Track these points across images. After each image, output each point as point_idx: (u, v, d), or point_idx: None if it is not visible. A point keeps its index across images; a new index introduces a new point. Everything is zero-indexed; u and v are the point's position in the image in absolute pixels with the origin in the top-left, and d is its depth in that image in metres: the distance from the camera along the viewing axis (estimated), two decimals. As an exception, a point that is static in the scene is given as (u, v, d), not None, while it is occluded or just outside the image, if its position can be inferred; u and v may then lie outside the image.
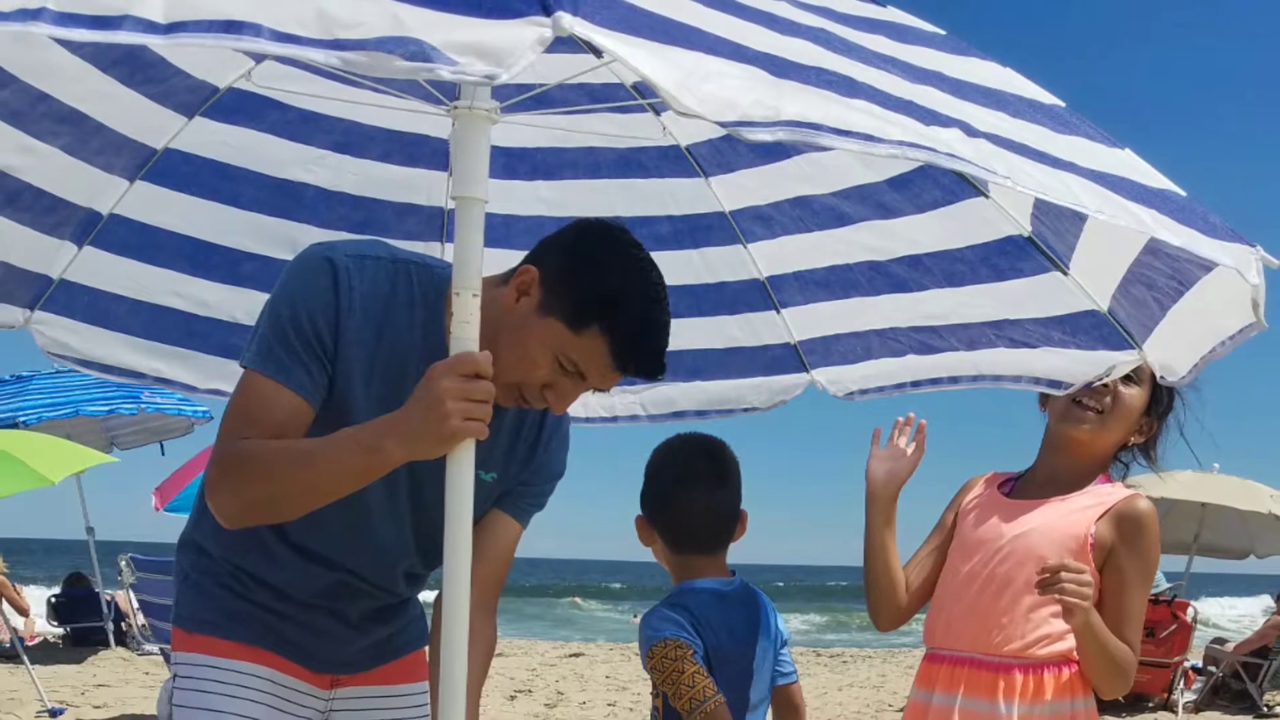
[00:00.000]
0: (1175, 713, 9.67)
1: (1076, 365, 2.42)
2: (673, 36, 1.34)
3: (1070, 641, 2.28)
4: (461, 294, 1.70)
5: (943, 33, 1.92)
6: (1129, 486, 2.42)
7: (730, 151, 2.55)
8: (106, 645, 11.13)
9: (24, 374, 10.17)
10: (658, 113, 2.49)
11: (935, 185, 2.35)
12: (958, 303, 2.52)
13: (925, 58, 1.70)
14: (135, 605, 10.51)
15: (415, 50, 1.20)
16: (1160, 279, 2.11)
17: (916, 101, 1.46)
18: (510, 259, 2.02)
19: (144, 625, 10.41)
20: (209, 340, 2.74)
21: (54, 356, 2.67)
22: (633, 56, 1.24)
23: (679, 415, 2.96)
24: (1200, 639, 11.76)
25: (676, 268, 2.59)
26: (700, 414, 2.96)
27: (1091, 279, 2.32)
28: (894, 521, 2.51)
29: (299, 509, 1.89)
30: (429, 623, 2.20)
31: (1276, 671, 10.07)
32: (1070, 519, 2.34)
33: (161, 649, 8.91)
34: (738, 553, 2.51)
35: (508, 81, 1.23)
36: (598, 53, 1.28)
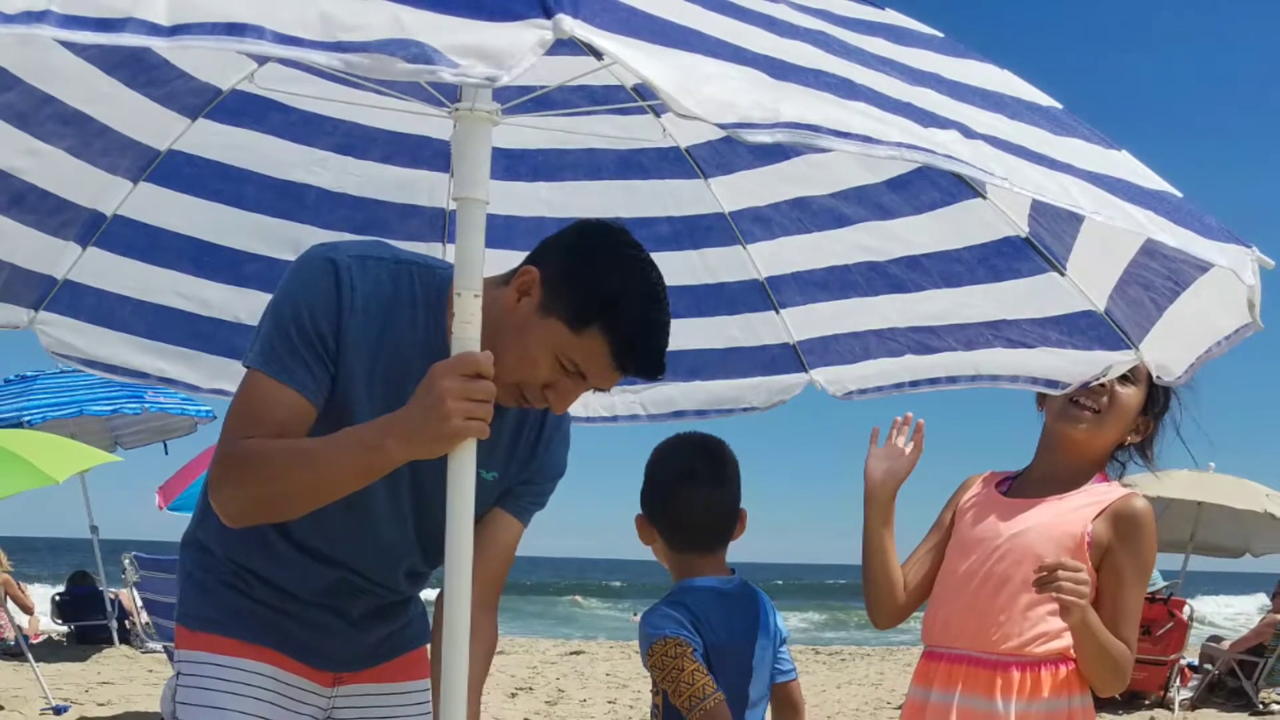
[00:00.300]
0: (1171, 710, 9.66)
1: (1073, 365, 2.43)
2: (672, 39, 1.34)
3: (1067, 639, 2.29)
4: (463, 294, 1.70)
5: (940, 35, 1.92)
6: (1125, 485, 2.43)
7: (729, 153, 2.56)
8: (110, 643, 11.13)
9: (29, 374, 10.17)
10: (658, 114, 2.49)
11: (933, 186, 2.35)
12: (955, 303, 2.52)
13: (923, 60, 1.71)
14: (139, 603, 10.54)
15: (417, 53, 1.21)
16: (1157, 279, 2.12)
17: (914, 103, 1.47)
18: (511, 260, 2.02)
19: (148, 623, 10.44)
20: (212, 340, 2.75)
21: (58, 356, 2.68)
22: (633, 59, 1.25)
23: (679, 415, 2.97)
24: (1196, 637, 11.73)
25: (676, 268, 2.60)
26: (700, 414, 2.97)
27: (1088, 279, 2.33)
28: (892, 520, 2.51)
29: (301, 508, 1.90)
30: (430, 621, 2.21)
31: (1272, 669, 10.06)
32: (1067, 517, 2.35)
33: (165, 647, 8.94)
34: (737, 551, 2.52)
35: (509, 84, 1.23)
36: (598, 55, 1.29)
